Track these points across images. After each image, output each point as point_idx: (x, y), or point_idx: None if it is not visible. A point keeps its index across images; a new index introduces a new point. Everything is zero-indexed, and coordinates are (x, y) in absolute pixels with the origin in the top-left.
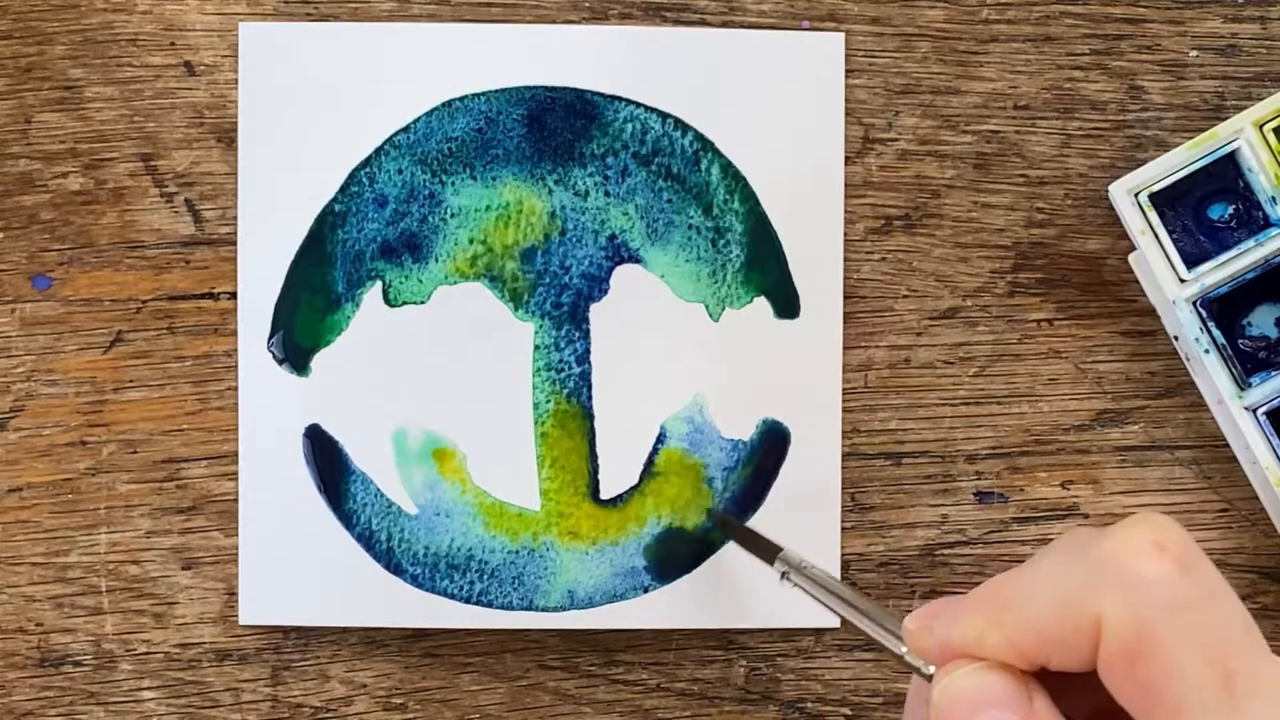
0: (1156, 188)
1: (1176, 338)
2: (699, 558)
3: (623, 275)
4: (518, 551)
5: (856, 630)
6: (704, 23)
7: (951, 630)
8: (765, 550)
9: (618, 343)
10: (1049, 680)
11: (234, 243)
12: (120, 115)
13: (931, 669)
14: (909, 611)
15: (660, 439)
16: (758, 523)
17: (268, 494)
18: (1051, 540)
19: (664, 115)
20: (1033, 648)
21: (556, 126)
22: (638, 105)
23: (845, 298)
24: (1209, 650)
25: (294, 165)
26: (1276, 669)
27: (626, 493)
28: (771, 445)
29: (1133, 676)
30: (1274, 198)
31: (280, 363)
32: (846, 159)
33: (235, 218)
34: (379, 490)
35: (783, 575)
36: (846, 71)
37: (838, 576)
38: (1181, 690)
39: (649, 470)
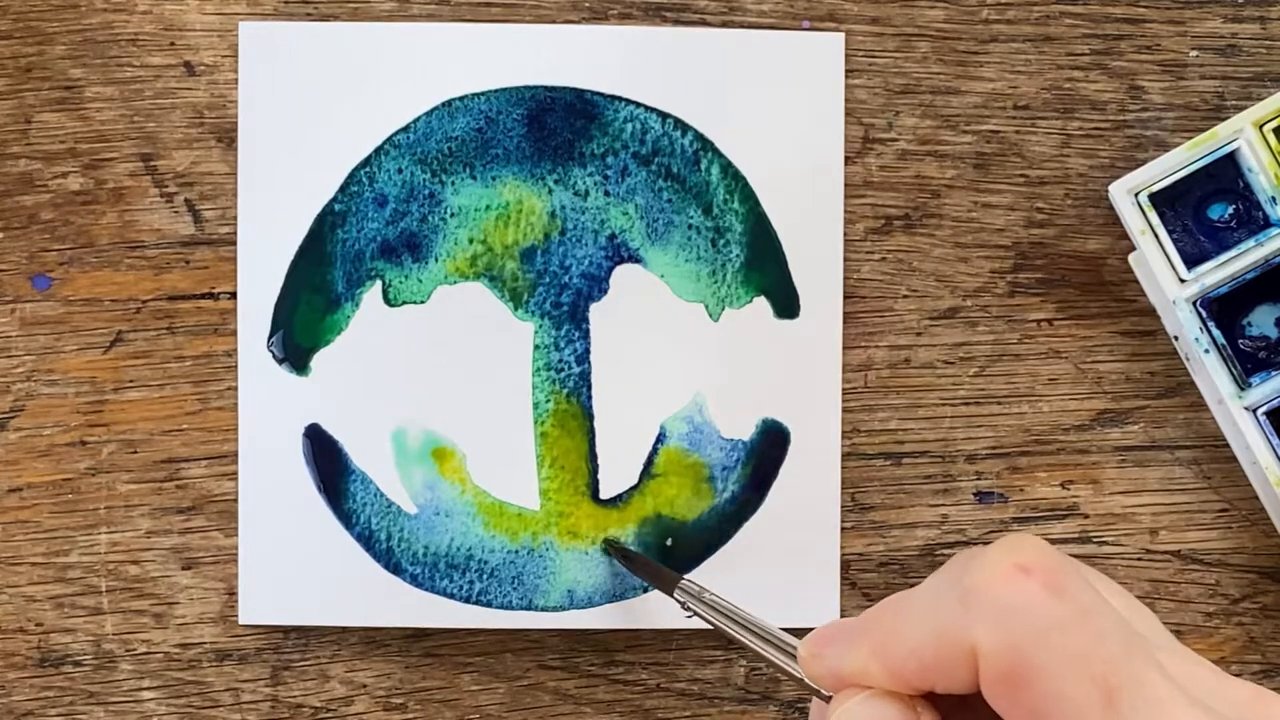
0: (1156, 188)
1: (1176, 338)
2: (698, 558)
3: (623, 275)
4: (517, 551)
5: None
6: (704, 23)
7: (839, 659)
8: (664, 580)
9: (618, 342)
10: (946, 699)
11: (234, 243)
12: (120, 115)
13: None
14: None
15: (660, 439)
16: (758, 522)
17: (268, 494)
18: (1051, 542)
19: (664, 115)
20: (914, 676)
21: (556, 126)
22: (638, 105)
23: (845, 298)
24: (1087, 669)
25: (294, 165)
26: (1161, 678)
27: (626, 492)
28: (771, 445)
29: (1015, 702)
30: (1274, 198)
31: (280, 362)
32: (846, 159)
33: (235, 218)
34: (378, 490)
35: (683, 605)
36: (846, 71)
37: (738, 603)
38: (1064, 711)
39: (649, 470)
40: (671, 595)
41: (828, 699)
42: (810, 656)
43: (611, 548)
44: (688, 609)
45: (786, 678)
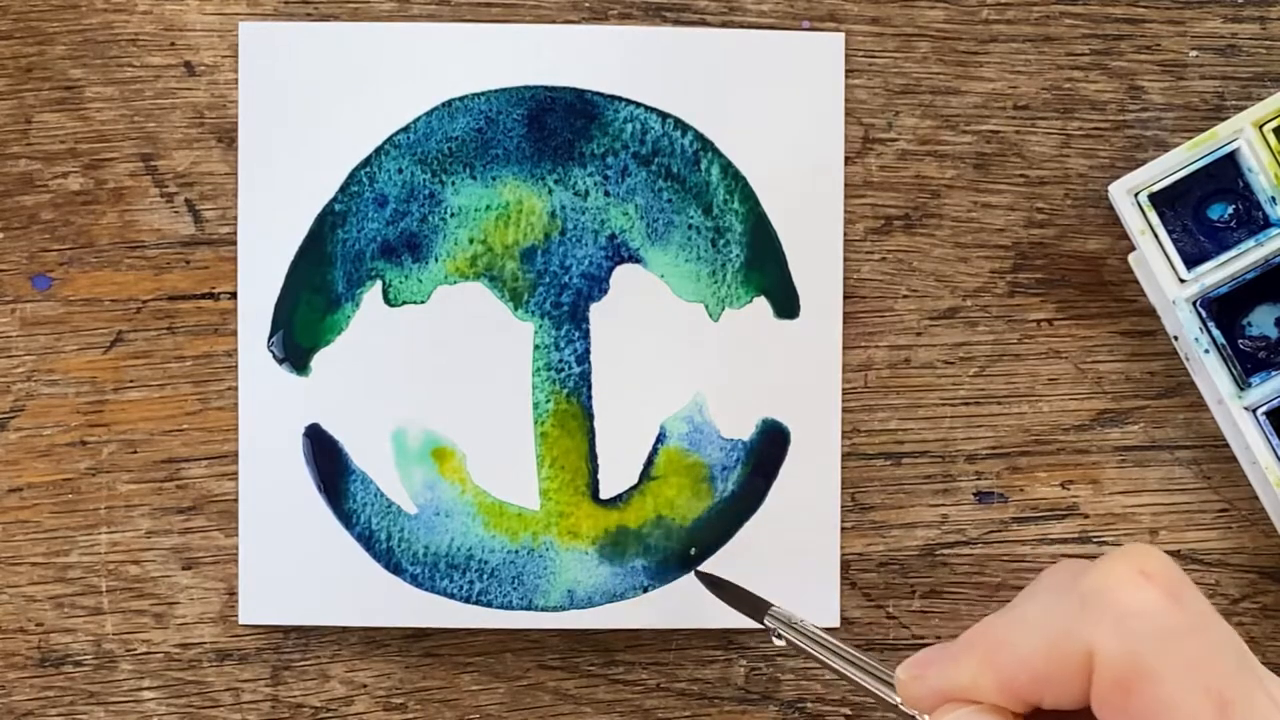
0: (1156, 188)
1: (1176, 338)
2: (698, 558)
3: (623, 275)
4: (517, 551)
5: (857, 631)
6: (704, 23)
7: (944, 676)
8: (753, 606)
9: (618, 343)
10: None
11: (234, 243)
12: (120, 115)
13: (926, 718)
14: (905, 618)
15: (660, 439)
16: (757, 523)
17: (268, 494)
18: (1050, 542)
19: (664, 115)
20: (1026, 687)
21: (556, 126)
22: (638, 105)
23: (845, 298)
24: (1202, 679)
25: (294, 165)
26: (1267, 697)
27: (626, 492)
28: (771, 445)
29: (1127, 709)
30: (1274, 198)
31: (280, 362)
32: (846, 159)
33: (235, 218)
34: (379, 490)
35: (773, 632)
36: (846, 71)
37: (827, 624)
38: None
39: (648, 470)
40: (761, 622)
41: None
42: (911, 679)
43: (701, 576)
44: (779, 635)
45: (880, 705)
